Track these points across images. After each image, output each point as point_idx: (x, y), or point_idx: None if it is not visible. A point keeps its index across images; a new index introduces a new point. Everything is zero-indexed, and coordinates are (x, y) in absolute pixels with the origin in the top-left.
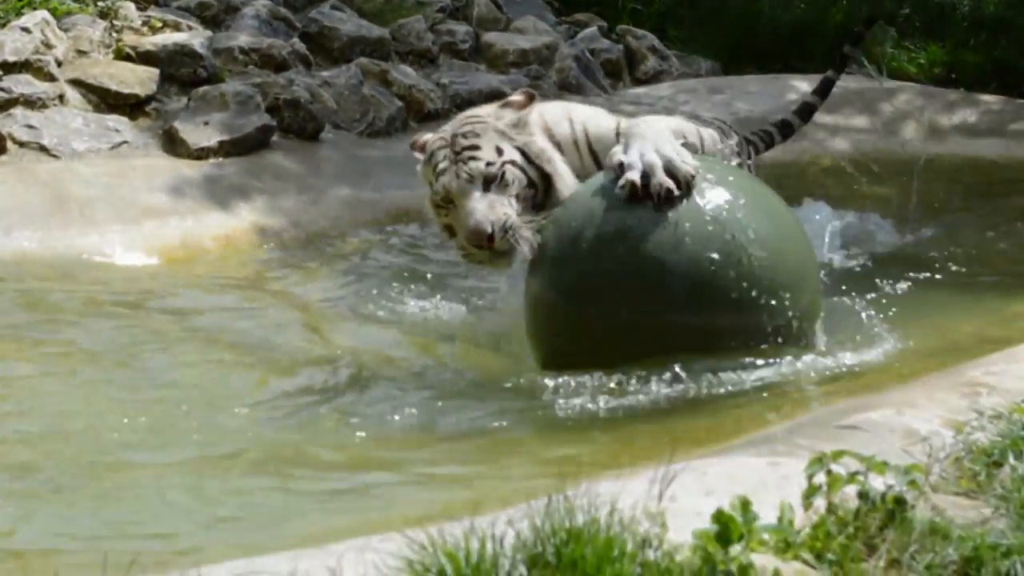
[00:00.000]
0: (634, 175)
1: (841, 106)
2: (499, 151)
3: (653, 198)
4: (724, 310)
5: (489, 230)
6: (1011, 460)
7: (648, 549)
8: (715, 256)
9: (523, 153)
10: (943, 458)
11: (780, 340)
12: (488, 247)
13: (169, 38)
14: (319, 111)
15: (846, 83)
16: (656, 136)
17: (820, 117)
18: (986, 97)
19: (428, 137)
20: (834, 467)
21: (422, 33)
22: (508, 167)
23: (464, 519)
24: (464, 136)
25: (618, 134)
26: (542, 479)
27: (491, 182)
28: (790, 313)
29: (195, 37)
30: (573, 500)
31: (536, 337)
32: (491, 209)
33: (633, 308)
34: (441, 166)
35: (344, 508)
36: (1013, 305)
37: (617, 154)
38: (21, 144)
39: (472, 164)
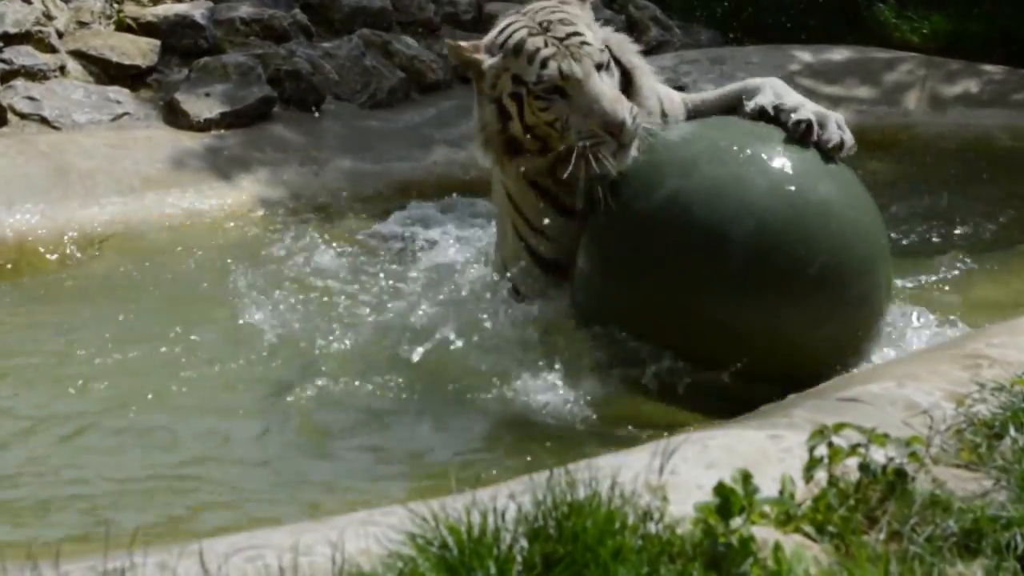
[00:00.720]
0: (806, 115)
1: (842, 76)
2: (596, 38)
3: (825, 145)
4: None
5: (623, 115)
6: (1012, 432)
7: (649, 522)
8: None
9: (608, 48)
10: (944, 430)
11: None
12: (619, 135)
13: (170, 9)
14: (320, 82)
15: (848, 54)
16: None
17: (821, 88)
18: (989, 67)
19: (506, 26)
20: (835, 439)
21: (424, 3)
22: (608, 57)
23: (466, 492)
24: (561, 23)
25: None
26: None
27: (601, 69)
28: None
29: (196, 8)
30: (574, 474)
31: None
32: (616, 94)
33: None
34: (546, 52)
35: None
36: None
37: (771, 98)
38: (22, 116)
39: (587, 48)
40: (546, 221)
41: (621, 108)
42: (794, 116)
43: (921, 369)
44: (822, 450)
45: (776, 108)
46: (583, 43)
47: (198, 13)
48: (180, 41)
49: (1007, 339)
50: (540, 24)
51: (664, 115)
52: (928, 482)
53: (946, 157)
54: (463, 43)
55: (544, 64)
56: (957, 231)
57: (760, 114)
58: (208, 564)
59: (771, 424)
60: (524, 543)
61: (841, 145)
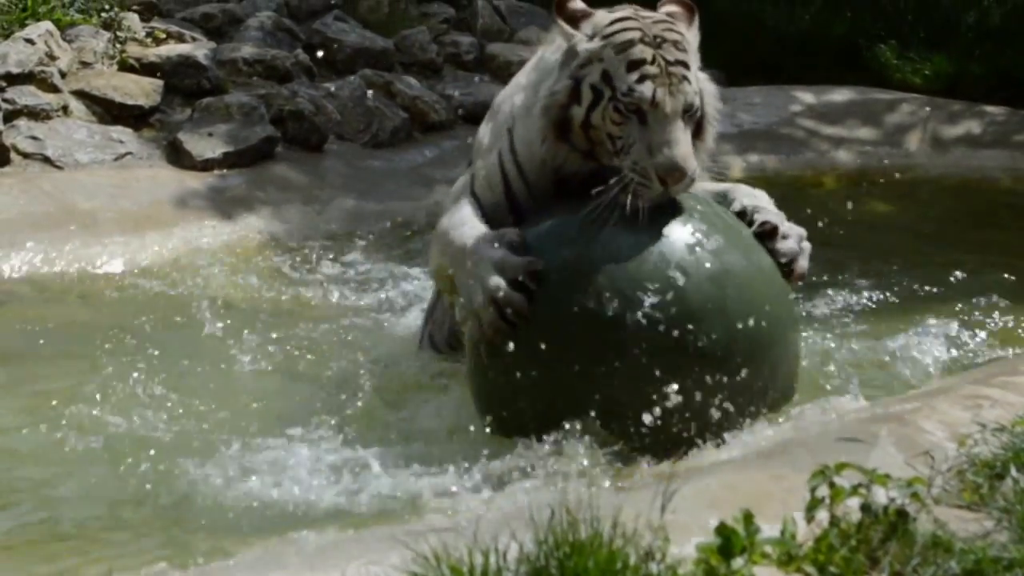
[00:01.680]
0: (792, 247)
1: (844, 117)
2: (696, 79)
3: (793, 276)
4: None
5: (687, 169)
6: (1013, 472)
7: (651, 562)
8: None
9: (700, 88)
10: (946, 471)
11: None
12: (669, 186)
13: (173, 49)
14: (323, 122)
15: (849, 95)
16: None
17: (823, 128)
18: (990, 108)
19: (596, 14)
20: (837, 480)
21: (426, 44)
22: (699, 104)
23: (467, 531)
24: (675, 45)
25: None
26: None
27: (687, 114)
28: None
29: (199, 48)
30: (575, 513)
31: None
32: (690, 147)
33: None
34: (649, 68)
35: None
36: None
37: (771, 217)
38: (25, 155)
39: (686, 87)
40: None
41: (689, 162)
42: (759, 217)
43: (923, 409)
44: (824, 490)
45: (753, 209)
46: (685, 78)
47: (201, 53)
48: (183, 81)
49: (1008, 380)
50: (654, 37)
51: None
52: (930, 522)
53: (947, 197)
54: (572, 3)
55: (642, 80)
56: (954, 276)
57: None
58: None
59: (773, 464)
60: None
61: (792, 264)
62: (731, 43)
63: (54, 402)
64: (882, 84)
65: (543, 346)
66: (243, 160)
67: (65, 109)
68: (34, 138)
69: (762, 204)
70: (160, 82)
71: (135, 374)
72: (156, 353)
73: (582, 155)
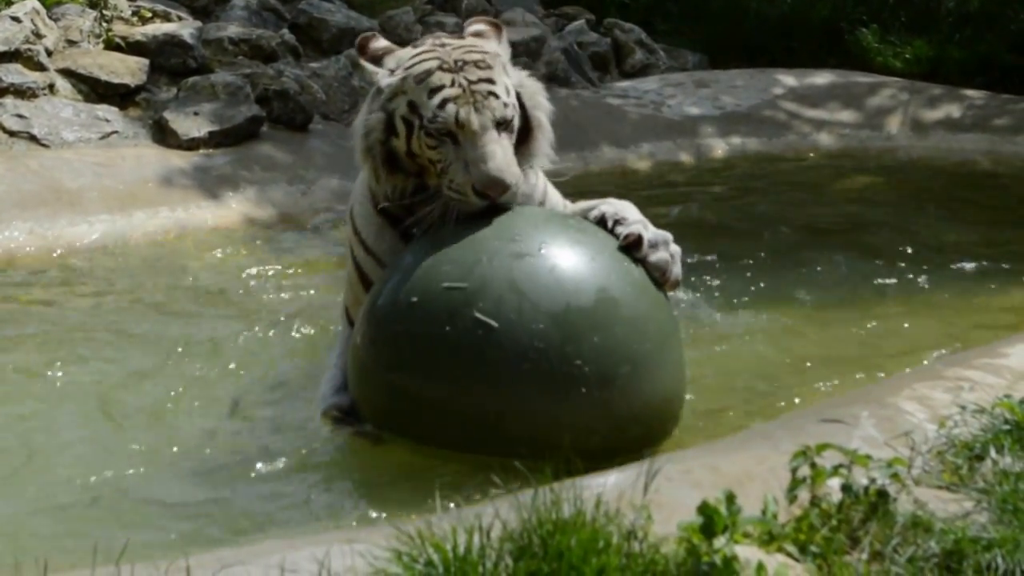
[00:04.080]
0: (663, 256)
1: (825, 100)
2: (507, 90)
3: (664, 283)
4: None
5: (511, 182)
6: (993, 454)
7: (633, 541)
8: None
9: (518, 95)
10: (926, 452)
11: None
12: (493, 199)
13: (159, 28)
14: (308, 102)
15: (831, 78)
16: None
17: (805, 111)
18: (970, 92)
19: (399, 50)
20: (818, 460)
21: (411, 24)
22: (515, 112)
23: (451, 510)
24: (476, 65)
25: None
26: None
27: (502, 127)
28: None
29: (185, 27)
30: (559, 492)
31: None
32: (508, 158)
33: None
34: (449, 92)
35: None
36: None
37: (634, 227)
38: (11, 134)
39: (493, 101)
40: (383, 244)
41: (506, 173)
42: (622, 229)
43: (903, 391)
44: (805, 471)
45: (615, 220)
46: (491, 93)
47: (186, 32)
48: (169, 60)
49: (988, 362)
50: (455, 61)
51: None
52: (910, 503)
53: (927, 180)
54: (374, 43)
55: (443, 105)
56: (938, 256)
57: (598, 221)
58: None
59: (755, 445)
60: (509, 561)
61: (665, 273)
62: (714, 26)
63: (30, 381)
64: (863, 68)
65: (424, 365)
66: (228, 139)
67: (51, 87)
68: (20, 116)
69: (626, 215)
70: (146, 61)
71: (118, 354)
72: (139, 331)
73: (417, 177)
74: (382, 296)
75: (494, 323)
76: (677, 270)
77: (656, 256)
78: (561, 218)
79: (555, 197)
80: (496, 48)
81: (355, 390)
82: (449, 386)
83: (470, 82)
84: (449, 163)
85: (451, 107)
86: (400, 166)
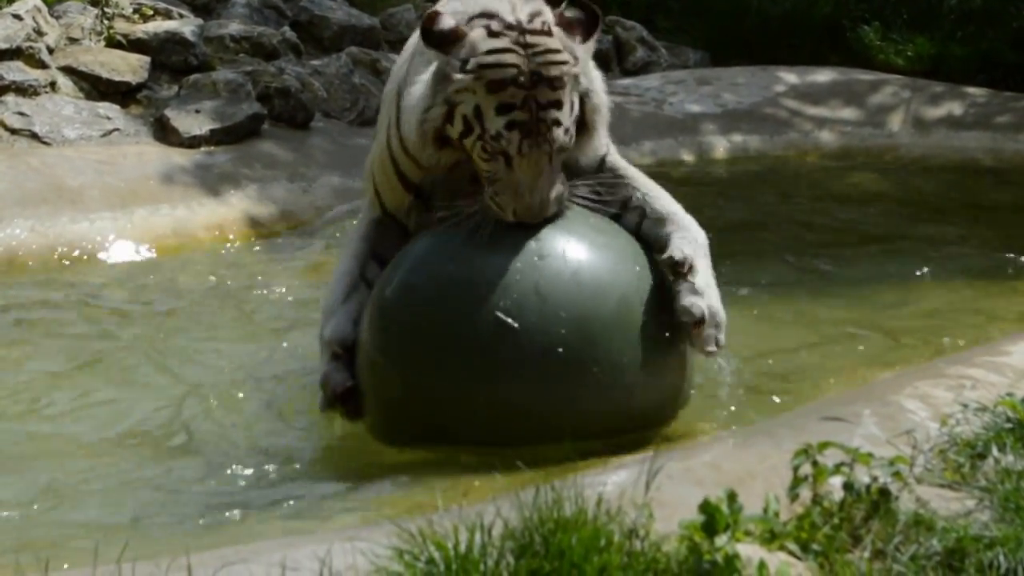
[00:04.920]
0: (713, 329)
1: (827, 98)
2: (572, 110)
3: (703, 344)
4: None
5: (551, 213)
6: (995, 452)
7: (635, 539)
8: None
9: (581, 99)
10: (927, 450)
11: None
12: (525, 222)
13: (160, 26)
14: (309, 100)
15: (833, 76)
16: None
17: (806, 109)
18: (972, 90)
19: (493, 49)
20: (820, 458)
21: (412, 22)
22: (572, 134)
23: (453, 509)
24: (551, 84)
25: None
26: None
27: (558, 153)
28: None
29: (186, 25)
30: (560, 491)
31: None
32: (553, 185)
33: None
34: (518, 116)
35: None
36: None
37: (700, 276)
38: (13, 131)
39: (556, 132)
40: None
41: (545, 209)
42: (686, 300)
43: (905, 389)
44: (807, 469)
45: (686, 273)
46: (556, 122)
47: (188, 30)
48: (170, 58)
49: (989, 360)
50: (531, 74)
51: (602, 168)
52: (912, 501)
53: (929, 178)
54: (440, 24)
55: (510, 126)
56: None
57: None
58: None
59: (756, 442)
60: (511, 559)
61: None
62: (715, 24)
63: (34, 381)
64: (865, 65)
65: (430, 358)
66: (230, 137)
67: (53, 85)
68: (21, 114)
69: (696, 264)
70: (147, 58)
71: (121, 353)
72: (141, 331)
73: (463, 154)
74: (391, 286)
75: (515, 324)
76: (719, 341)
77: (706, 332)
78: (584, 218)
79: (619, 165)
80: (580, 51)
81: (361, 378)
82: (462, 383)
83: (539, 106)
84: (498, 178)
85: (516, 134)
86: (449, 144)
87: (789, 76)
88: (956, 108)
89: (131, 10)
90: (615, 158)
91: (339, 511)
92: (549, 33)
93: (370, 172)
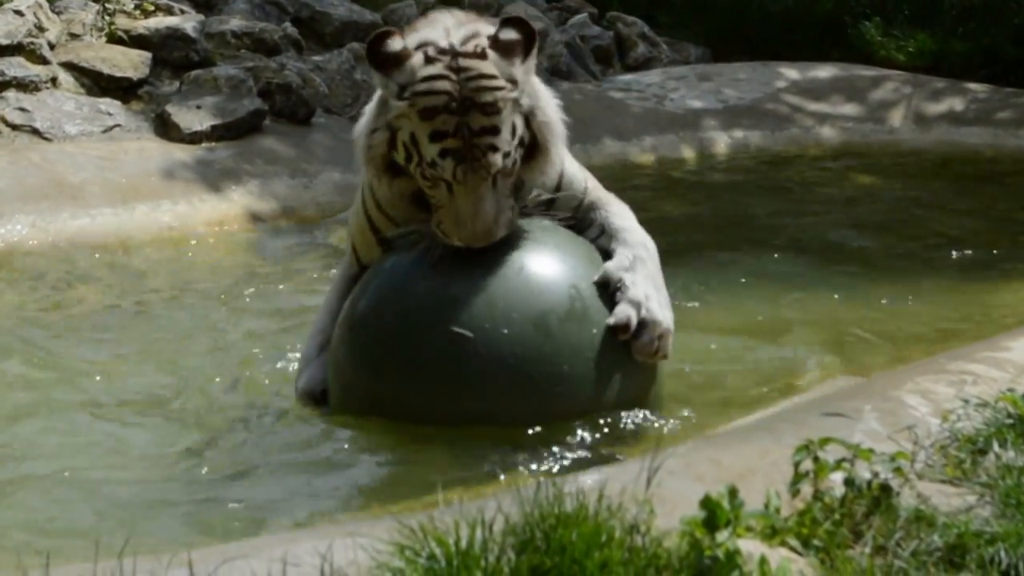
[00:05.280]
0: (650, 337)
1: (828, 94)
2: (512, 133)
3: (638, 351)
4: None
5: (496, 237)
6: (996, 448)
7: (636, 535)
8: None
9: (526, 120)
10: (928, 446)
11: None
12: (469, 247)
13: (161, 22)
14: (311, 96)
15: (834, 71)
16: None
17: (807, 104)
18: (973, 86)
19: (411, 56)
20: (821, 454)
21: (413, 17)
22: (516, 152)
23: (454, 504)
24: (484, 111)
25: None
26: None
27: (500, 174)
28: None
29: (187, 21)
30: (561, 486)
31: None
32: (499, 209)
33: None
34: (450, 143)
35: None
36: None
37: (627, 298)
38: (14, 127)
39: (491, 157)
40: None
41: (491, 234)
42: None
43: (906, 384)
44: (808, 464)
45: (619, 287)
46: (491, 147)
47: (189, 26)
48: (171, 53)
49: (991, 355)
50: (463, 100)
51: (559, 189)
52: (913, 497)
53: (930, 173)
54: (387, 46)
55: (444, 154)
56: (940, 248)
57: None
58: (197, 573)
59: (757, 438)
60: (512, 555)
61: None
62: (717, 19)
63: (35, 375)
64: (866, 61)
65: (404, 369)
66: (231, 133)
67: (54, 81)
68: (22, 110)
69: (632, 280)
70: (148, 54)
71: (122, 348)
72: (144, 326)
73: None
74: (362, 301)
75: (470, 334)
76: (661, 349)
77: (641, 340)
78: (529, 222)
79: (575, 179)
80: (519, 72)
81: (333, 390)
82: (428, 395)
83: (472, 133)
84: (442, 205)
85: (449, 161)
86: (403, 172)
87: (790, 72)
88: (957, 104)
89: (132, 6)
90: (573, 169)
91: (340, 507)
92: (483, 56)
93: (349, 228)
